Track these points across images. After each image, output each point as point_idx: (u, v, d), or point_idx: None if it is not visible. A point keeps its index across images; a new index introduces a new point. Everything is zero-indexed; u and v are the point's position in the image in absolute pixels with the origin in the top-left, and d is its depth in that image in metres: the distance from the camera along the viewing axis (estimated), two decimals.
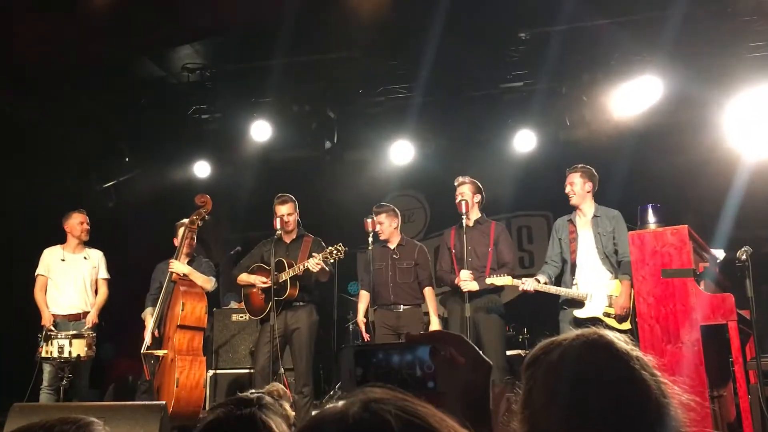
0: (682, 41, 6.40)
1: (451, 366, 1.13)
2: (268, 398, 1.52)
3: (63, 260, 6.29)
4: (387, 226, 6.17)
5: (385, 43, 7.12)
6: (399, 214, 6.36)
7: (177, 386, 5.41)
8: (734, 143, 6.69)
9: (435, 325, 6.06)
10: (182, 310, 5.69)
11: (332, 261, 5.61)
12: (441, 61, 6.76)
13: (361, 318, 6.24)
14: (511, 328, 7.28)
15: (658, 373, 1.17)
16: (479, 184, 6.06)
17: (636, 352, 1.18)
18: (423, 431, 0.68)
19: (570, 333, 1.23)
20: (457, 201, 5.89)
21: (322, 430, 0.69)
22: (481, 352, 1.19)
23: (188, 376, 5.53)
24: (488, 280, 5.50)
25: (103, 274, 6.45)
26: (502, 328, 5.91)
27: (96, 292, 6.39)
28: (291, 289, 5.70)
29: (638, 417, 1.11)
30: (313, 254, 5.63)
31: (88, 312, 6.24)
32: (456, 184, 6.03)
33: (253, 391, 1.58)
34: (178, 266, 5.95)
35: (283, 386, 3.60)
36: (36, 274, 6.26)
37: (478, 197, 5.99)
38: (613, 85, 6.85)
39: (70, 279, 6.26)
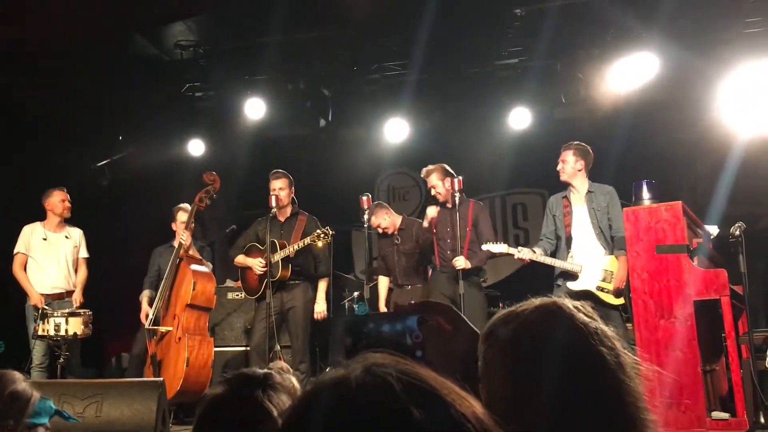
0: (678, 17, 6.37)
1: (439, 335, 1.14)
2: (277, 376, 1.52)
3: (45, 239, 6.17)
4: (389, 222, 6.31)
5: (380, 20, 7.07)
6: (388, 204, 6.53)
7: (187, 365, 5.44)
8: (729, 120, 6.69)
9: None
10: (193, 289, 5.70)
11: (319, 245, 5.64)
12: (436, 38, 6.71)
13: (382, 307, 6.33)
14: (506, 305, 7.31)
15: (618, 346, 1.14)
16: (446, 167, 6.01)
17: (596, 324, 1.16)
18: (424, 392, 0.69)
19: (529, 302, 1.20)
20: (432, 194, 6.03)
21: (324, 395, 0.70)
22: (469, 322, 1.19)
23: (197, 356, 5.57)
24: (485, 247, 5.52)
25: (84, 253, 6.34)
26: (484, 303, 6.01)
27: (76, 271, 6.32)
28: (283, 271, 5.74)
29: (591, 392, 1.09)
30: (303, 239, 5.66)
31: (72, 291, 6.15)
32: (423, 176, 6.12)
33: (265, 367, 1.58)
34: (190, 243, 6.00)
35: (285, 364, 3.62)
36: (15, 251, 6.12)
37: (449, 181, 5.89)
38: (608, 62, 6.81)
39: (53, 258, 6.15)
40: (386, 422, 0.66)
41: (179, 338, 5.56)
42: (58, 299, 6.06)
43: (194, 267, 5.83)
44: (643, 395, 1.12)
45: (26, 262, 6.13)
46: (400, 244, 6.26)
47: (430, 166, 6.06)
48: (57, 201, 6.20)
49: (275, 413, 1.39)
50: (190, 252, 6.12)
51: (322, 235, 5.55)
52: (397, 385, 0.68)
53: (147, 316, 5.93)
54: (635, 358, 1.16)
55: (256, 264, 5.83)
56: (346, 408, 0.68)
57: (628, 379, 1.11)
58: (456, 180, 5.72)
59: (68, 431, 3.67)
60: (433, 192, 6.03)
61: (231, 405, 1.43)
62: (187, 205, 6.25)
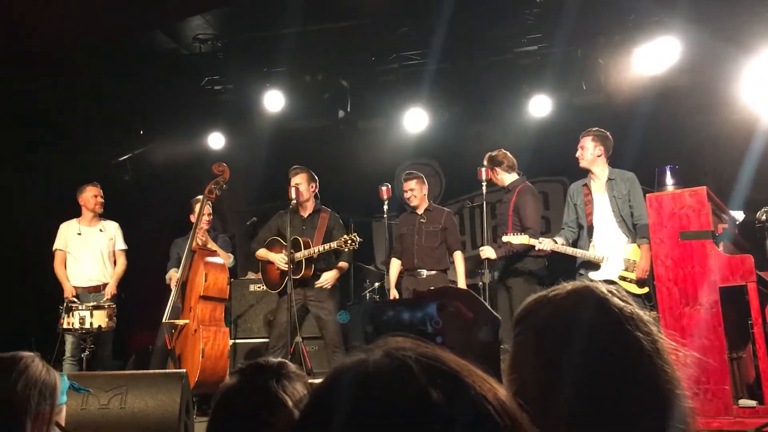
0: (700, 1, 6.26)
1: (459, 321, 1.12)
2: (291, 365, 1.51)
3: (79, 234, 6.35)
4: (418, 192, 6.22)
5: (398, 9, 7.04)
6: (426, 181, 6.38)
7: (203, 356, 5.48)
8: (753, 103, 6.58)
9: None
10: (205, 281, 5.74)
11: (346, 250, 5.63)
12: (454, 26, 6.67)
13: (393, 289, 6.21)
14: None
15: (655, 331, 1.11)
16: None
17: (630, 308, 1.13)
18: (443, 374, 0.68)
19: (562, 287, 1.17)
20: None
21: (344, 378, 0.70)
22: (489, 308, 1.18)
23: (213, 346, 5.60)
24: (505, 238, 5.48)
25: (120, 245, 6.51)
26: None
27: (114, 263, 6.45)
28: (306, 270, 5.76)
29: (627, 377, 1.06)
30: (331, 243, 5.65)
31: (108, 284, 6.32)
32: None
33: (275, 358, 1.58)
34: (206, 238, 6.06)
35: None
36: (54, 248, 6.33)
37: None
38: (630, 48, 6.73)
39: (88, 252, 6.33)
40: (405, 404, 0.66)
41: (195, 330, 5.60)
42: (95, 292, 6.26)
43: (206, 259, 5.85)
44: (680, 381, 1.09)
45: (65, 258, 6.31)
46: (426, 223, 6.16)
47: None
48: (89, 196, 6.35)
49: (290, 403, 1.39)
50: (208, 245, 6.16)
51: (349, 242, 5.56)
52: (416, 367, 0.68)
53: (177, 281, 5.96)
54: (672, 343, 1.13)
55: (278, 259, 5.84)
56: (364, 391, 0.68)
57: (665, 364, 1.08)
58: (483, 170, 5.71)
59: (95, 422, 3.72)
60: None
61: (245, 395, 1.43)
62: (200, 197, 6.30)
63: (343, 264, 6.00)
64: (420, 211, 6.24)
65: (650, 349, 1.09)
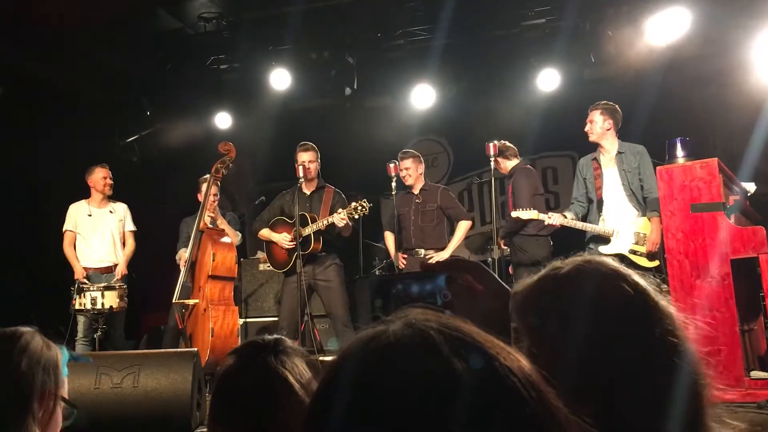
0: None
1: (468, 293, 1.11)
2: (288, 341, 1.49)
3: (89, 215, 6.37)
4: (413, 171, 6.19)
5: None
6: (423, 160, 6.35)
7: (212, 336, 5.51)
8: (764, 75, 6.49)
9: (444, 254, 6.01)
10: (213, 260, 5.75)
11: (356, 217, 5.61)
12: (460, 1, 6.59)
13: (397, 253, 6.16)
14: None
15: (668, 303, 1.10)
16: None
17: (635, 278, 1.11)
18: (467, 345, 0.67)
19: (561, 264, 1.14)
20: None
21: (364, 349, 0.68)
22: (499, 279, 1.16)
23: (222, 325, 5.63)
24: (514, 214, 5.50)
25: (130, 226, 6.53)
26: None
27: (124, 244, 6.48)
28: (315, 244, 5.70)
29: (642, 352, 1.03)
30: (339, 210, 5.60)
31: (118, 264, 6.35)
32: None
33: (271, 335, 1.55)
34: (216, 213, 6.11)
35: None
36: (64, 229, 6.34)
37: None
38: (639, 19, 6.63)
39: (98, 233, 6.35)
40: (427, 375, 0.64)
41: (204, 309, 5.63)
42: (106, 272, 6.29)
43: (214, 238, 5.86)
44: (695, 352, 1.07)
45: (75, 239, 6.34)
46: (421, 203, 6.17)
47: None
48: (99, 178, 6.36)
49: (290, 377, 1.38)
50: (218, 221, 6.17)
51: (359, 208, 5.51)
52: (438, 338, 0.66)
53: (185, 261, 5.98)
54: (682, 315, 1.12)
55: (281, 239, 5.83)
56: (385, 361, 0.66)
57: (676, 329, 1.07)
58: (491, 145, 5.69)
59: (108, 401, 3.75)
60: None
61: (243, 374, 1.41)
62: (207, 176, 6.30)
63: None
64: (416, 191, 6.23)
65: (662, 314, 1.07)
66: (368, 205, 5.54)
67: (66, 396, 1.55)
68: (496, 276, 1.14)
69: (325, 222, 5.62)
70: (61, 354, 1.54)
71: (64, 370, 1.55)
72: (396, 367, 0.65)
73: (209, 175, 6.07)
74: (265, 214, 6.15)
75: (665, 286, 4.83)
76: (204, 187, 6.19)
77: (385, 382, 0.65)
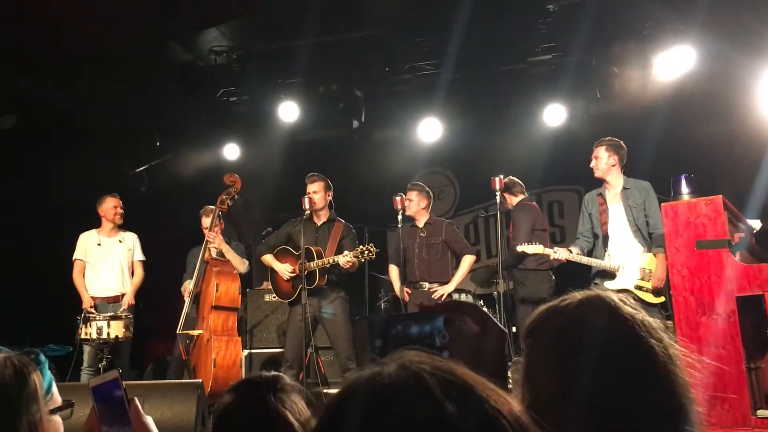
0: (717, 9, 6.22)
1: (465, 334, 1.12)
2: (286, 378, 1.49)
3: (99, 244, 6.40)
4: (415, 204, 6.20)
5: (411, 19, 7.06)
6: (431, 195, 6.38)
7: (215, 366, 5.51)
8: None
9: (448, 288, 6.03)
10: (216, 291, 5.77)
11: (362, 260, 5.61)
12: (468, 36, 6.67)
13: (402, 286, 6.16)
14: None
15: (666, 339, 1.12)
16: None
17: (641, 315, 1.13)
18: (458, 387, 0.69)
19: (572, 296, 1.17)
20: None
21: (360, 390, 0.70)
22: (495, 320, 1.18)
23: (224, 356, 5.63)
24: (519, 248, 5.52)
25: (139, 256, 6.56)
26: None
27: (132, 274, 6.50)
28: (320, 280, 5.67)
29: (642, 385, 1.06)
30: (345, 252, 5.58)
31: (126, 294, 6.36)
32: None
33: (270, 372, 1.54)
34: (219, 241, 6.05)
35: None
36: (73, 258, 6.37)
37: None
38: (645, 56, 6.70)
39: (107, 262, 6.38)
40: (419, 416, 0.66)
41: (207, 340, 5.63)
42: (113, 302, 6.29)
43: (217, 269, 5.87)
44: (690, 387, 1.09)
45: (84, 268, 6.37)
46: (426, 236, 6.17)
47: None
48: (109, 207, 6.40)
49: (290, 416, 1.37)
50: (223, 248, 6.17)
51: (366, 252, 5.50)
52: (430, 380, 0.68)
53: (190, 292, 5.98)
54: (682, 349, 1.13)
55: (283, 270, 5.81)
56: (380, 402, 0.68)
57: (678, 370, 1.09)
58: (497, 179, 5.72)
59: None
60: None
61: (241, 413, 1.40)
62: (211, 207, 6.33)
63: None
64: (420, 225, 6.25)
65: (663, 355, 1.09)
66: (375, 250, 5.54)
67: (58, 404, 1.50)
68: (492, 317, 1.16)
69: (330, 260, 5.60)
70: (40, 377, 1.48)
71: (49, 389, 1.49)
72: (390, 408, 0.67)
73: (214, 206, 6.11)
74: (272, 239, 6.10)
75: (670, 322, 4.82)
76: (204, 218, 6.23)
77: (379, 423, 0.67)
